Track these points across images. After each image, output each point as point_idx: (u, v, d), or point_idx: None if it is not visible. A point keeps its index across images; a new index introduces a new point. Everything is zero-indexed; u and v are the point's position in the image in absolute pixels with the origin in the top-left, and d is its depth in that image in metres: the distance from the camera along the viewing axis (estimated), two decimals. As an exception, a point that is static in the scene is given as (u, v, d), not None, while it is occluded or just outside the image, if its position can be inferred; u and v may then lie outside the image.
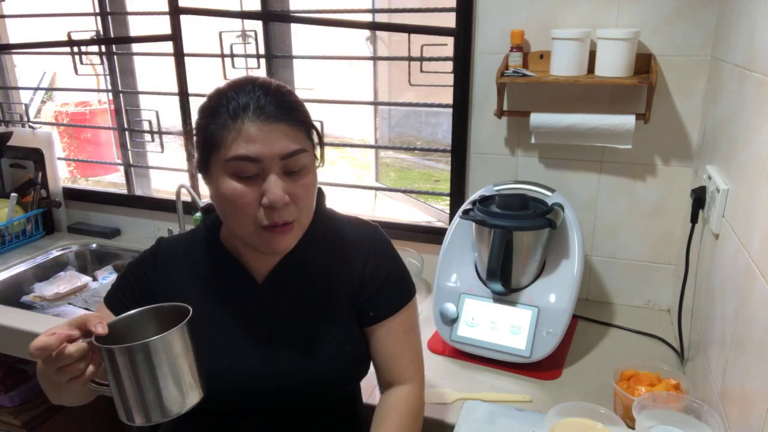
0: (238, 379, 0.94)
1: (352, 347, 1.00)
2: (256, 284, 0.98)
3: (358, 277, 1.00)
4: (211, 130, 0.85)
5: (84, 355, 0.74)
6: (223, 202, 0.87)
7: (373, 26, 2.04)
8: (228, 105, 0.84)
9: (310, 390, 0.97)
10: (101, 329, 0.74)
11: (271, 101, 0.84)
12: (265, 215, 0.85)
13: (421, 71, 1.68)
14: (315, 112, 0.94)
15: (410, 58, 1.68)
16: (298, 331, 0.98)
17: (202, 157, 0.88)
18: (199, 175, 0.92)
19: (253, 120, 0.83)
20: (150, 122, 2.09)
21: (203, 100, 0.90)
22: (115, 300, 0.99)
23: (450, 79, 1.58)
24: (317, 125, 0.94)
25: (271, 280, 0.98)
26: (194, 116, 0.91)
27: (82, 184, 3.81)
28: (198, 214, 1.85)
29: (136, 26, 2.10)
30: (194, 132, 0.90)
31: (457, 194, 1.66)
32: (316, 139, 0.93)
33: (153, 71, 2.52)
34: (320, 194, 1.01)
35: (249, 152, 0.82)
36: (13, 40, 2.28)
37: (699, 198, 1.21)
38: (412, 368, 1.04)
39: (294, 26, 1.86)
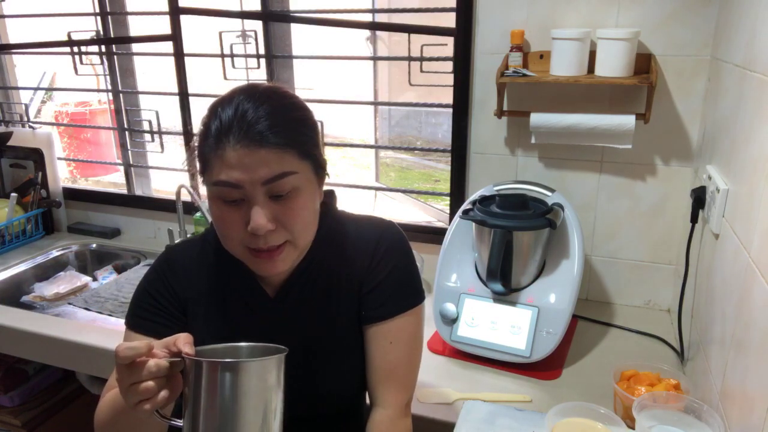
0: None
1: (361, 357, 0.97)
2: (269, 298, 0.95)
3: (360, 275, 0.95)
4: (201, 151, 0.83)
5: (161, 373, 0.70)
6: (214, 221, 0.86)
7: (373, 26, 2.04)
8: (213, 124, 0.80)
9: (321, 405, 0.96)
10: (190, 349, 0.71)
11: (259, 119, 0.79)
12: (250, 240, 0.83)
13: (421, 71, 1.68)
14: (315, 112, 0.91)
15: (410, 58, 1.68)
16: (311, 346, 0.95)
17: (201, 174, 0.86)
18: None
19: (235, 146, 0.78)
20: (150, 122, 2.10)
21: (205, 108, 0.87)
22: (142, 320, 0.94)
23: (450, 79, 1.58)
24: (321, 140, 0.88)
25: (283, 293, 0.94)
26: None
27: (82, 184, 3.80)
28: (198, 215, 1.85)
29: (136, 26, 2.10)
30: (195, 146, 0.87)
31: (457, 194, 1.66)
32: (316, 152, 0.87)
33: (153, 71, 2.52)
34: (331, 196, 0.99)
35: (229, 179, 0.79)
36: (13, 40, 2.28)
37: (699, 198, 1.21)
38: (393, 389, 0.95)
39: (294, 26, 1.86)
